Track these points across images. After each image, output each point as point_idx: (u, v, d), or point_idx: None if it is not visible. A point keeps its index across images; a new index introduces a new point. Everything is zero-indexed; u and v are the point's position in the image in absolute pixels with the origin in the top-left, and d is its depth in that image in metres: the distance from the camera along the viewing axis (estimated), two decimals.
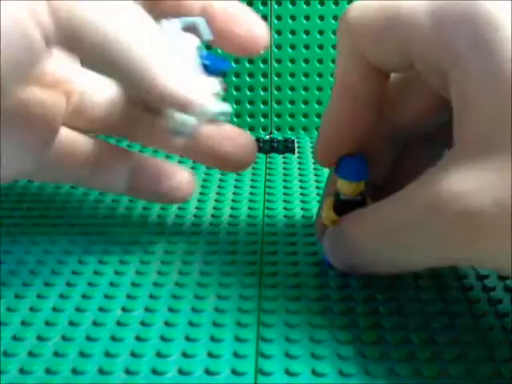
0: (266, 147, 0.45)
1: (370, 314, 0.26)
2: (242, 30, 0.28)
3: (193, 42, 0.25)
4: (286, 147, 0.45)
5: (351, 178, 0.27)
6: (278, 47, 0.46)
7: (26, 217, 0.35)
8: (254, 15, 0.28)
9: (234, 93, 0.46)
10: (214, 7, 0.28)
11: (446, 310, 0.26)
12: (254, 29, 0.28)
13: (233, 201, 0.37)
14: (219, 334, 0.25)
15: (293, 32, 0.45)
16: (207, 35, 0.26)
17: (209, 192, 0.38)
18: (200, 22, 0.26)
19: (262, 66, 0.46)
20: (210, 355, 0.24)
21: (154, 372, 0.23)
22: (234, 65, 0.28)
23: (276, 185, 0.39)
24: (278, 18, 0.45)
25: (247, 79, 0.46)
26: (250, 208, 0.36)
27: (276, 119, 0.47)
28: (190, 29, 0.26)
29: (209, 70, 0.26)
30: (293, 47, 0.46)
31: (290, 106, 0.47)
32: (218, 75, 0.26)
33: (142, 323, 0.26)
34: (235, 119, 0.47)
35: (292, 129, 0.48)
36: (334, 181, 0.28)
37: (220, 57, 0.27)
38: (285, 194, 0.38)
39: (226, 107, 0.25)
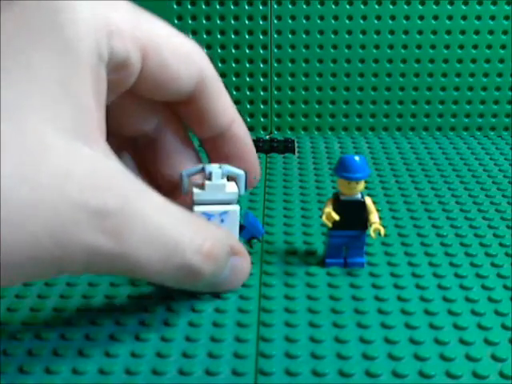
0: (266, 147, 0.45)
1: (371, 314, 0.26)
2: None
3: (235, 190, 0.26)
4: (286, 147, 0.45)
5: (350, 178, 0.27)
6: (278, 47, 0.46)
7: None
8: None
9: (234, 93, 0.46)
10: (240, 128, 0.28)
11: (448, 309, 0.26)
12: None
13: None
14: (219, 335, 0.25)
15: (293, 32, 0.45)
16: (242, 190, 0.27)
17: None
18: (241, 176, 0.27)
19: (262, 66, 0.46)
20: (210, 355, 0.24)
21: (154, 372, 0.23)
22: (264, 231, 0.31)
23: (276, 185, 0.39)
24: (278, 18, 0.45)
25: (247, 79, 0.46)
26: (250, 208, 0.36)
27: (276, 119, 0.47)
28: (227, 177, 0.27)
29: (243, 229, 0.28)
30: (293, 47, 0.46)
31: (289, 106, 0.47)
32: (248, 237, 0.29)
33: (142, 323, 0.26)
34: None
35: (292, 129, 0.48)
36: None
37: (259, 222, 0.29)
38: (285, 193, 0.38)
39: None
